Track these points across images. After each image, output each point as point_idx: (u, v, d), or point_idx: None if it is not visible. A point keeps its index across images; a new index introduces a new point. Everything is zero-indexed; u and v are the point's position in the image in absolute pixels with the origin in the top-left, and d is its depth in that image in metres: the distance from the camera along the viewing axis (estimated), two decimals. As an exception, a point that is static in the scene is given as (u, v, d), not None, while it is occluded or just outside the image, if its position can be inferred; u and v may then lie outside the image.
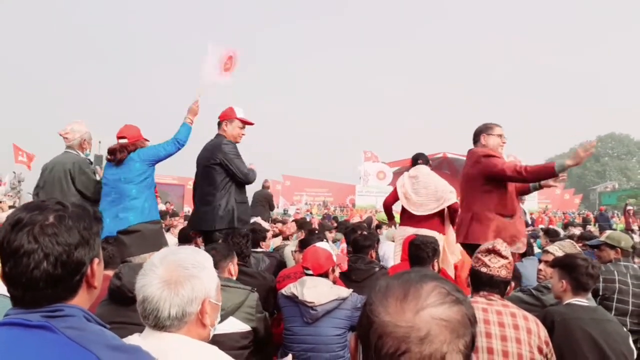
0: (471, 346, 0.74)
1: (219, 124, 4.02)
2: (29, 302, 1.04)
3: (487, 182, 3.53)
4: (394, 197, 5.05)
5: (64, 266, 1.05)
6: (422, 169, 4.91)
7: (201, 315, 1.33)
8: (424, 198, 4.74)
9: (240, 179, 3.88)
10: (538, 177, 3.45)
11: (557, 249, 3.13)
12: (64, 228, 1.06)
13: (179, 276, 1.30)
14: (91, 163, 4.05)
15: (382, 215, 10.23)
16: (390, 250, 5.35)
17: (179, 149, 3.68)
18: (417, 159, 5.02)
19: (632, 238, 4.13)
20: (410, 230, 4.49)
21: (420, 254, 3.22)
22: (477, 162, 3.57)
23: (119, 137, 3.62)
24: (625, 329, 2.49)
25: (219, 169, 3.83)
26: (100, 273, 1.15)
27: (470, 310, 0.76)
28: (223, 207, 3.80)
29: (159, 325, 1.28)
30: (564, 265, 2.59)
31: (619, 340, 2.34)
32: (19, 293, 1.04)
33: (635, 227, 12.20)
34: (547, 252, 3.21)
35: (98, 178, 3.90)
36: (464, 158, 3.96)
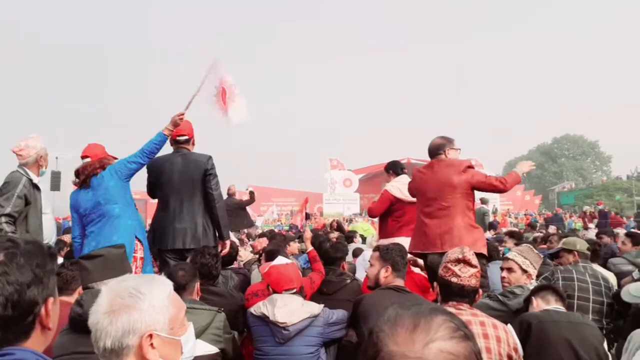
0: None
1: (188, 140, 3.83)
2: None
3: (470, 192, 3.58)
4: (385, 203, 4.75)
5: (15, 307, 1.00)
6: (405, 179, 4.70)
7: (143, 351, 1.18)
8: None
9: (217, 199, 3.74)
10: (512, 185, 3.59)
11: (516, 255, 3.18)
12: (15, 266, 1.01)
13: (113, 305, 1.19)
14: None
15: (355, 226, 10.16)
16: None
17: (149, 158, 3.45)
18: (402, 168, 4.94)
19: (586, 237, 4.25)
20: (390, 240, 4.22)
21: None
22: (463, 171, 3.54)
23: (82, 157, 3.46)
24: (602, 333, 2.55)
25: (201, 184, 3.72)
26: (55, 313, 1.09)
27: (477, 347, 0.79)
28: (207, 224, 3.71)
29: (102, 355, 1.18)
30: None
31: (595, 344, 2.39)
32: None
33: (591, 226, 13.09)
34: (507, 259, 3.24)
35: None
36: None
